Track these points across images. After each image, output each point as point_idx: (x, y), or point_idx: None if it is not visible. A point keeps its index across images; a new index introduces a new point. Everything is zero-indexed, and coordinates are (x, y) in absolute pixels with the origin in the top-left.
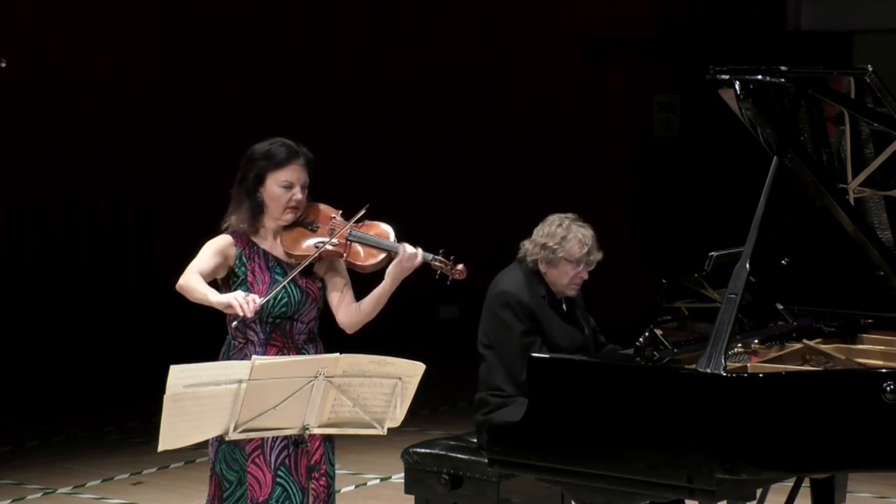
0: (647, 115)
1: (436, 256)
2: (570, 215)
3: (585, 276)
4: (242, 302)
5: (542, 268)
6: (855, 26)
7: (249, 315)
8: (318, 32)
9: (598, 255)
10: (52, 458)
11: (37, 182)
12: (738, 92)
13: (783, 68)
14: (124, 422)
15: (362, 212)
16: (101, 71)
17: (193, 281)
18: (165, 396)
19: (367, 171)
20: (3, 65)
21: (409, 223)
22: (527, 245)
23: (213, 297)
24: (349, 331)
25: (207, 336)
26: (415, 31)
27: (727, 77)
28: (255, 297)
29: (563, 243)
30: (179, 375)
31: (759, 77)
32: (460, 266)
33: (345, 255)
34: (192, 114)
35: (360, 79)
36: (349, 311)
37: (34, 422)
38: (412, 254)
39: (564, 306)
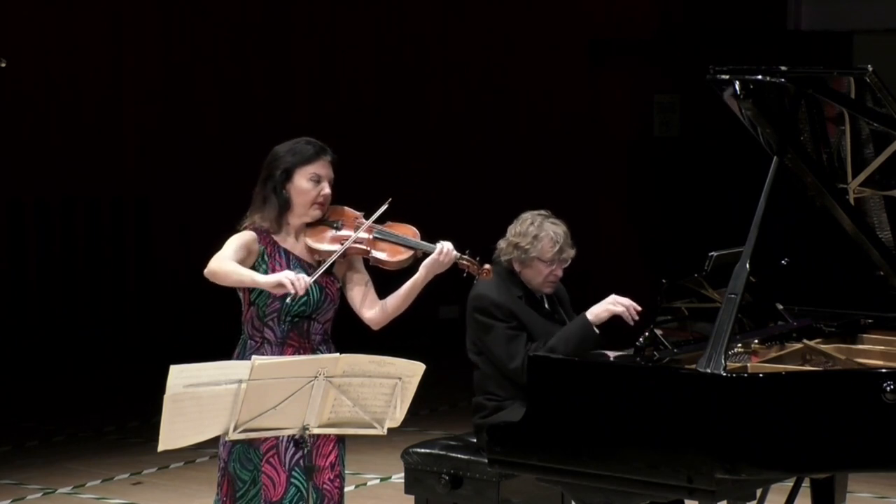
0: (647, 115)
1: (463, 255)
2: (542, 212)
3: (560, 274)
4: (294, 279)
5: (516, 267)
6: (855, 26)
7: (301, 292)
8: (318, 32)
9: (570, 253)
10: (52, 458)
11: (37, 182)
12: (738, 92)
13: (783, 68)
14: (124, 422)
15: (384, 207)
16: (102, 71)
17: (230, 265)
18: (165, 396)
19: (365, 172)
20: (3, 65)
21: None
22: (501, 244)
23: (260, 278)
24: (375, 327)
25: (207, 336)
26: (415, 31)
27: (727, 77)
28: (304, 275)
29: (536, 243)
30: (179, 375)
31: (759, 77)
32: (487, 266)
33: (370, 250)
34: (192, 114)
35: (360, 80)
36: (376, 307)
37: (34, 422)
38: (449, 250)
39: (546, 304)
